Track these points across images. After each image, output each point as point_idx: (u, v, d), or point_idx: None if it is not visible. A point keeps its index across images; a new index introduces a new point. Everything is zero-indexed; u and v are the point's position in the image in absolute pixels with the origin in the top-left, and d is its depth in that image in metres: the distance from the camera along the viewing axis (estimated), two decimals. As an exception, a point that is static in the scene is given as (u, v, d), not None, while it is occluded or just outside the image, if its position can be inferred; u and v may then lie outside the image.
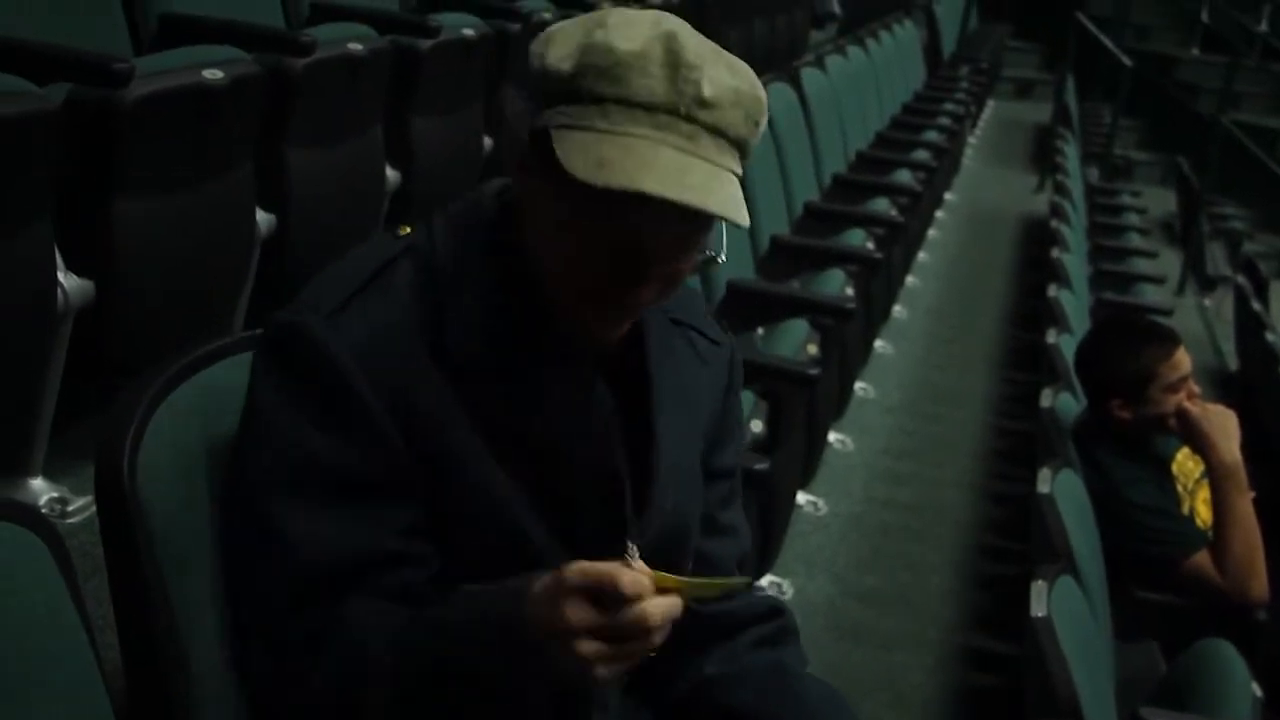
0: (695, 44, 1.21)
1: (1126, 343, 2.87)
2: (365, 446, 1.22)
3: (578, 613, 1.08)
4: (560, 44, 1.21)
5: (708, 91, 1.18)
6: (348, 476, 1.22)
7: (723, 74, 1.20)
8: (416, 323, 1.25)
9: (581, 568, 1.10)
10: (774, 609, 1.51)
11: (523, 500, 1.26)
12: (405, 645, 1.18)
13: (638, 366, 1.35)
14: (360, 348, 1.22)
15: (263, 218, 2.86)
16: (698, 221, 1.21)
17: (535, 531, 1.27)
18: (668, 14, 1.24)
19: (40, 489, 2.35)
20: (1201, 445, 2.77)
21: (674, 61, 1.18)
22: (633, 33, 1.19)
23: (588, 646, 1.08)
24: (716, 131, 1.19)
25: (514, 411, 1.27)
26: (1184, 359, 2.83)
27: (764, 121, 1.24)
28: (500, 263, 1.28)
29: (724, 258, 1.29)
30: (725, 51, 1.24)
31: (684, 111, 1.18)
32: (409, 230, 1.33)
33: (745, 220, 1.19)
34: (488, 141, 3.89)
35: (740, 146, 1.22)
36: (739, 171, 1.22)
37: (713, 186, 1.18)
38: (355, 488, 1.22)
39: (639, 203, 1.15)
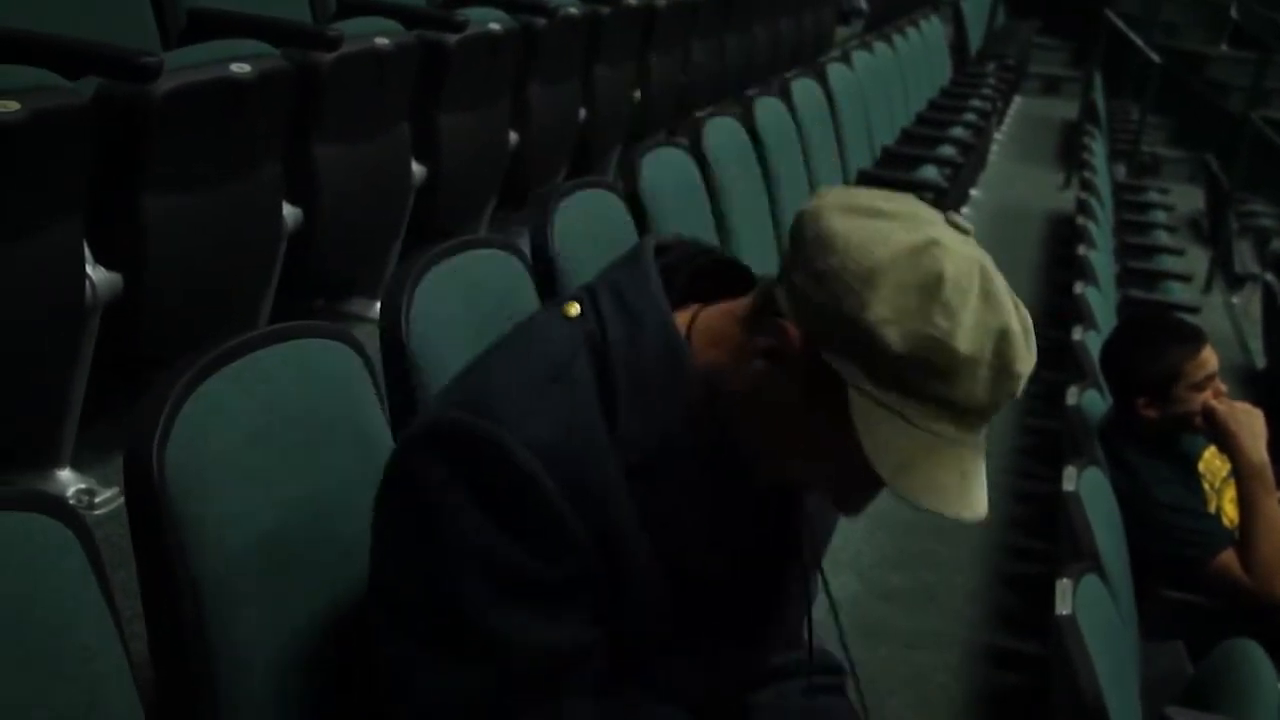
0: (1022, 337, 1.14)
1: (1152, 341, 2.85)
2: (565, 557, 1.17)
3: None
4: (890, 305, 1.10)
5: (1018, 390, 1.15)
6: (547, 579, 1.17)
7: (1026, 368, 1.15)
8: (601, 424, 1.18)
9: None
10: (834, 668, 1.51)
11: (666, 604, 1.24)
12: None
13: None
14: (548, 452, 1.14)
15: (289, 212, 2.87)
16: None
17: (674, 642, 1.26)
18: (986, 263, 1.15)
19: (68, 480, 2.37)
20: (1228, 444, 2.76)
21: (1003, 366, 1.12)
22: (970, 322, 1.10)
23: None
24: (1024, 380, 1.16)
25: (685, 532, 1.22)
26: (1210, 357, 2.82)
27: None
28: (681, 375, 1.20)
29: None
30: (1022, 309, 1.16)
31: (1016, 370, 1.14)
32: (577, 310, 1.23)
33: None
34: (514, 137, 3.90)
35: None
36: None
37: (980, 494, 1.17)
38: (555, 589, 1.17)
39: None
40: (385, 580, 1.23)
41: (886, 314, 1.09)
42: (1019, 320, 1.14)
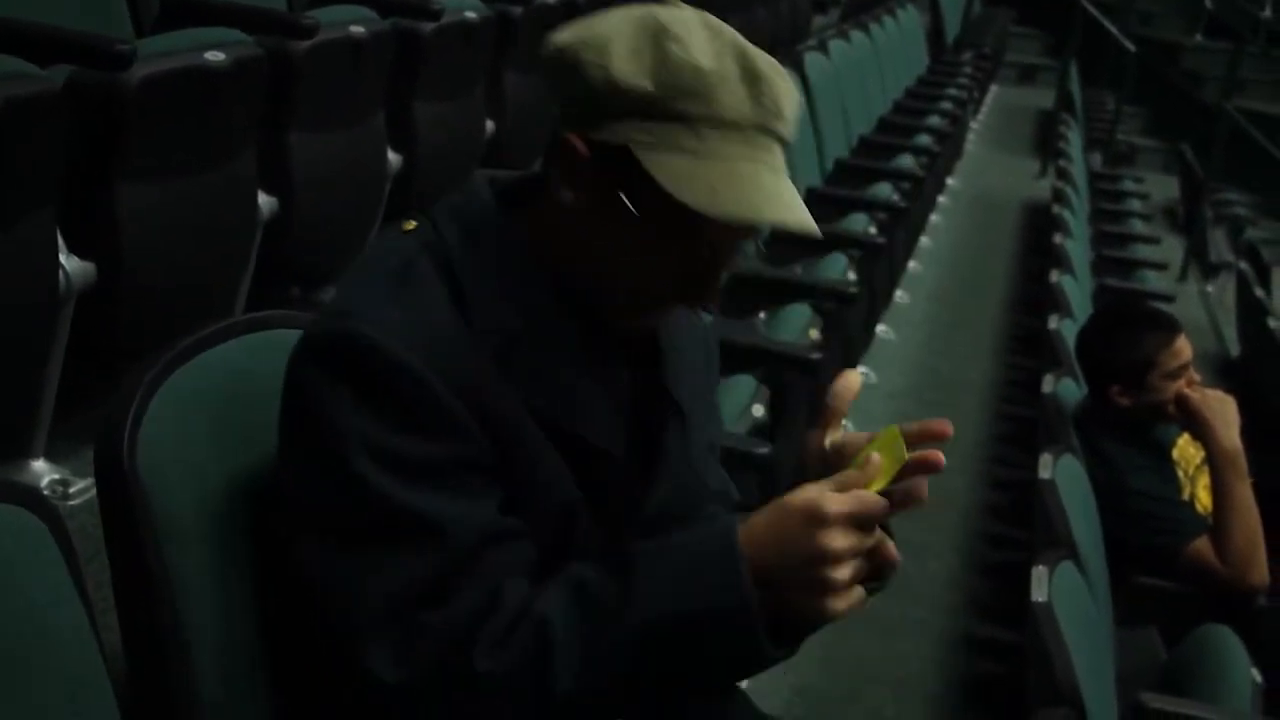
0: (754, 51, 1.21)
1: (1127, 330, 2.87)
2: (456, 438, 1.19)
3: (842, 539, 1.13)
4: (627, 57, 1.19)
5: (784, 106, 1.21)
6: (450, 465, 1.19)
7: (782, 82, 1.22)
8: (452, 317, 1.23)
9: (846, 496, 1.14)
10: (722, 495, 1.53)
11: (568, 478, 1.27)
12: (596, 618, 1.16)
13: (651, 342, 1.36)
14: (415, 344, 1.19)
15: (265, 201, 2.85)
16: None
17: (579, 507, 1.28)
18: (705, 12, 1.23)
19: (42, 471, 2.36)
20: (1201, 431, 2.77)
21: (751, 76, 1.19)
22: (703, 45, 1.19)
23: (846, 571, 1.14)
24: (785, 143, 1.23)
25: (548, 396, 1.26)
26: (1184, 346, 2.83)
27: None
28: (514, 253, 1.27)
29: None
30: (759, 49, 1.23)
31: (769, 128, 1.20)
32: (414, 225, 1.30)
33: (816, 231, 1.22)
34: (490, 125, 3.89)
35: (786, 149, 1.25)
36: None
37: (798, 203, 1.21)
38: (462, 473, 1.20)
39: (736, 228, 1.20)
40: (294, 498, 1.24)
41: (627, 66, 1.18)
42: (750, 45, 1.22)
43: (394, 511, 1.17)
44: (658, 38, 1.19)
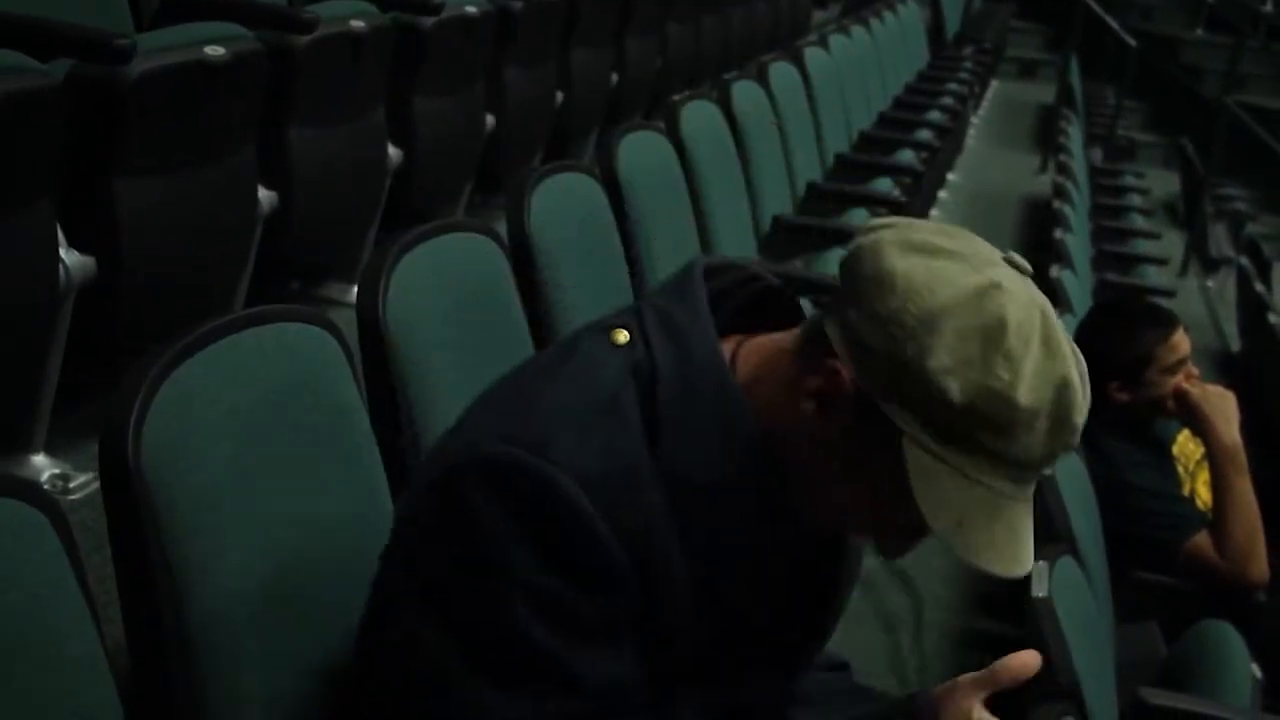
0: (1080, 387, 1.12)
1: (1124, 325, 2.86)
2: (609, 588, 1.15)
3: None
4: (949, 357, 1.07)
5: (1073, 442, 1.13)
6: (601, 621, 1.16)
7: (1085, 413, 1.14)
8: (646, 468, 1.16)
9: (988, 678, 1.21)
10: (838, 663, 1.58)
11: (701, 636, 1.23)
12: None
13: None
14: (601, 493, 1.13)
15: (265, 196, 2.85)
16: None
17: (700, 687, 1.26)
18: (1047, 308, 1.14)
19: (42, 465, 2.36)
20: (1200, 427, 2.77)
21: (1062, 419, 1.10)
22: (1032, 374, 1.08)
23: None
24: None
25: (727, 565, 1.21)
26: (1182, 341, 2.83)
27: None
28: (728, 414, 1.18)
29: None
30: (1078, 355, 1.15)
31: (1046, 467, 1.13)
32: (625, 338, 1.21)
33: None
34: (490, 120, 3.89)
35: None
36: None
37: (1030, 550, 1.15)
38: (604, 625, 1.17)
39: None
40: (428, 588, 1.20)
41: (947, 363, 1.07)
42: (1077, 368, 1.13)
43: (535, 656, 1.15)
44: (991, 351, 1.07)
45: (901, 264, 1.10)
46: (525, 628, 1.14)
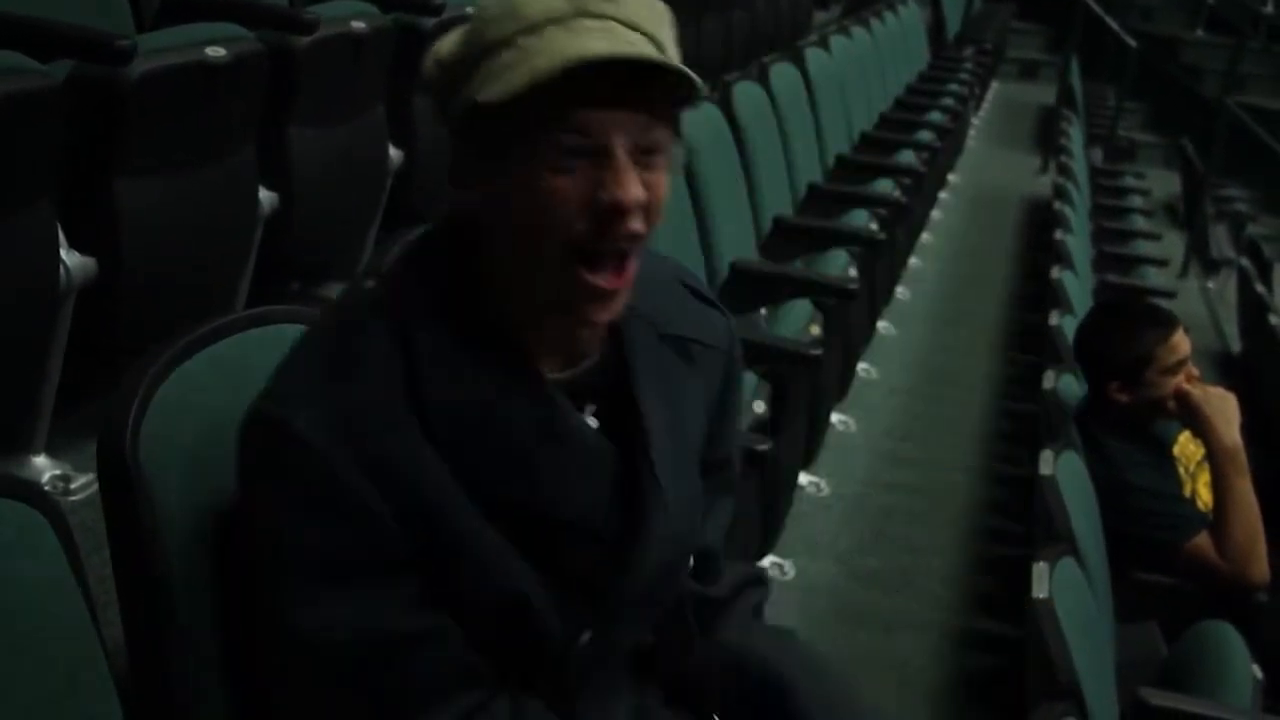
0: None
1: (1124, 326, 2.86)
2: (360, 531, 1.17)
3: None
4: (448, 39, 1.23)
5: None
6: (348, 562, 1.18)
7: None
8: (396, 393, 1.19)
9: None
10: (756, 578, 1.53)
11: (516, 560, 1.23)
12: None
13: (627, 398, 1.30)
14: (340, 431, 1.16)
15: (265, 196, 2.85)
16: (641, 99, 1.18)
17: (535, 592, 1.24)
18: None
19: (43, 466, 2.36)
20: (1201, 428, 2.77)
21: None
22: None
23: None
24: (631, 26, 1.18)
25: (500, 468, 1.22)
26: (1182, 342, 2.83)
27: (670, 29, 1.23)
28: (465, 304, 1.23)
29: (689, 143, 1.29)
30: None
31: (593, 10, 1.17)
32: (371, 283, 1.27)
33: (692, 75, 1.17)
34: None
35: (657, 45, 1.20)
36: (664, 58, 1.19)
37: (642, 49, 1.17)
38: (357, 572, 1.18)
39: (579, 92, 1.14)
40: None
41: (449, 40, 1.23)
42: None
43: (295, 622, 1.18)
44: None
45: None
46: (287, 588, 1.18)
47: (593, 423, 1.29)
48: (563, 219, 1.17)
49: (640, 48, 1.17)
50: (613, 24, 1.17)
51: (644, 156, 1.19)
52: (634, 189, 1.17)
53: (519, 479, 1.22)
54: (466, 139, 1.21)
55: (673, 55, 1.21)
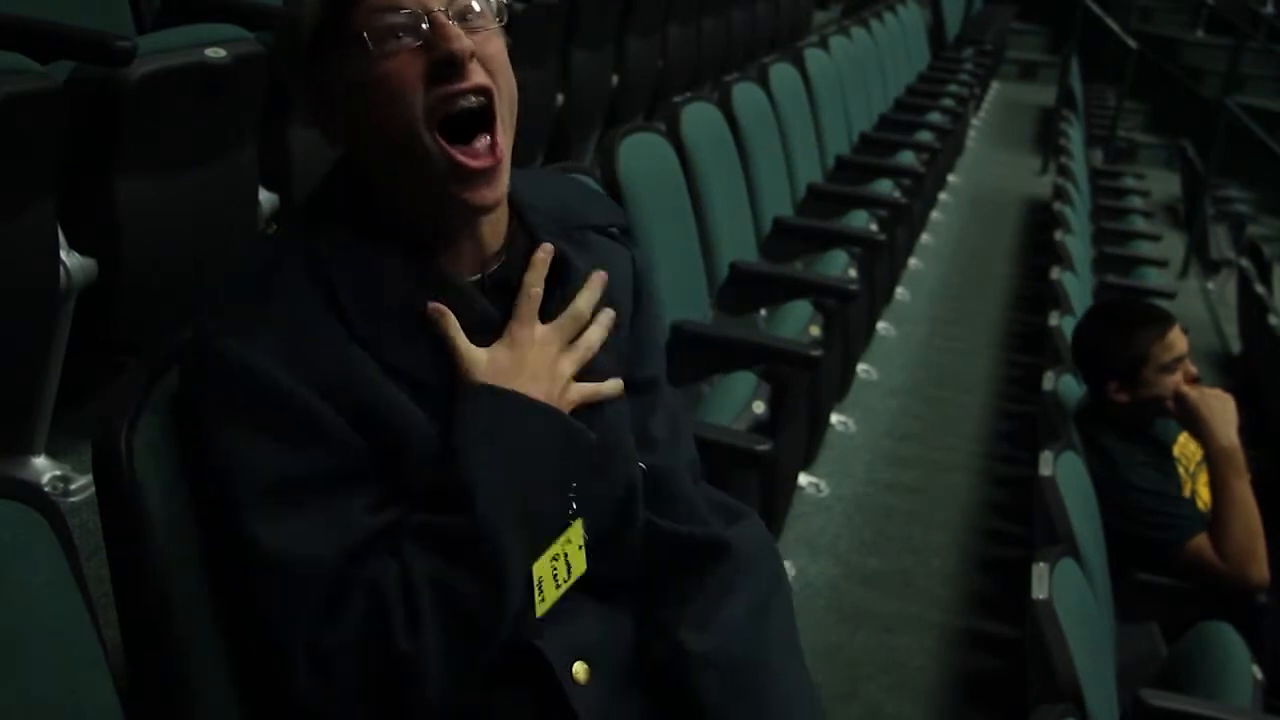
0: None
1: (1119, 325, 2.87)
2: (322, 446, 1.22)
3: (553, 345, 1.31)
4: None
5: None
6: (313, 476, 1.21)
7: None
8: (319, 308, 1.25)
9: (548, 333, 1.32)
10: (717, 545, 1.46)
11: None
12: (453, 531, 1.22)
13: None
14: (278, 350, 1.21)
15: (266, 197, 2.85)
16: None
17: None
18: None
19: (43, 467, 2.36)
20: (1199, 429, 2.77)
21: None
22: None
23: (568, 367, 1.31)
24: None
25: (424, 363, 1.28)
26: (1178, 339, 2.83)
27: None
28: (367, 224, 1.29)
29: None
30: None
31: None
32: (275, 228, 1.35)
33: None
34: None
35: None
36: None
37: None
38: (323, 484, 1.22)
39: None
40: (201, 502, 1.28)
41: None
42: None
43: (255, 546, 1.19)
44: None
45: None
46: (240, 507, 1.20)
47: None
48: (409, 96, 1.24)
49: None
50: None
51: (463, 21, 1.26)
52: (461, 39, 1.24)
53: (439, 368, 1.28)
54: (310, 87, 1.30)
55: None
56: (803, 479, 3.43)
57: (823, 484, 3.53)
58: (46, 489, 2.26)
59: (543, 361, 1.31)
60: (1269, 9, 10.40)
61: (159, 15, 2.94)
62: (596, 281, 1.38)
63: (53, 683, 1.12)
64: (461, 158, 1.26)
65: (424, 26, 1.24)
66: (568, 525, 1.32)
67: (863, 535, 3.34)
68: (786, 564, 3.04)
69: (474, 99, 1.26)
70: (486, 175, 1.28)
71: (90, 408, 2.47)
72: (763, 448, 2.28)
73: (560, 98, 4.41)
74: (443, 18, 1.24)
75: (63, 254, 2.29)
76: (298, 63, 1.31)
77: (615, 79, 4.93)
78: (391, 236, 1.29)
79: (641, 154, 2.73)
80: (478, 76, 1.26)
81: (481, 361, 1.29)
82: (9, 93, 2.00)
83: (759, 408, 2.65)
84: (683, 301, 2.82)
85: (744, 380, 2.69)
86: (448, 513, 1.22)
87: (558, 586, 1.31)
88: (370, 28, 1.24)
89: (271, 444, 1.20)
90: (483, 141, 1.28)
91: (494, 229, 1.35)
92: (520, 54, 4.22)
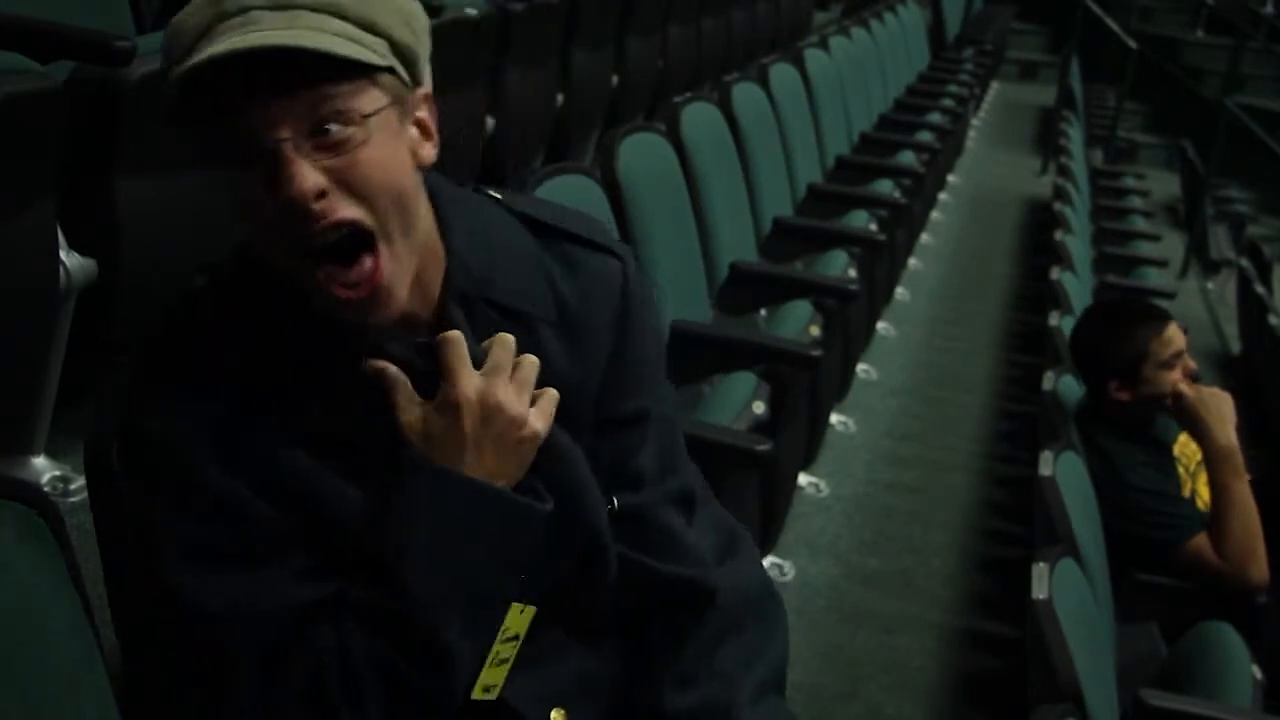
0: None
1: (1117, 323, 2.87)
2: (240, 521, 1.18)
3: (503, 390, 1.19)
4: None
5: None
6: (234, 549, 1.18)
7: None
8: (242, 377, 1.19)
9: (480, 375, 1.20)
10: (702, 591, 1.38)
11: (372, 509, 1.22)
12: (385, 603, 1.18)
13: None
14: (198, 427, 1.17)
15: (265, 197, 2.85)
16: (291, 81, 1.10)
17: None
18: None
19: (42, 468, 2.36)
20: (1197, 429, 2.78)
21: None
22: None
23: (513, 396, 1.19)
24: (280, 8, 1.11)
25: (353, 427, 1.21)
26: (1176, 335, 2.83)
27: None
28: (290, 291, 1.19)
29: (408, 77, 1.21)
30: None
31: (230, 8, 1.10)
32: (203, 281, 1.27)
33: (328, 46, 1.09)
34: (490, 122, 3.89)
35: (326, 9, 1.12)
36: (359, 39, 1.13)
37: (269, 32, 1.09)
38: (246, 557, 1.18)
39: (218, 99, 1.10)
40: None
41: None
42: None
43: (187, 605, 1.17)
44: None
45: None
46: (169, 580, 1.18)
47: None
48: (266, 229, 1.14)
49: (268, 30, 1.09)
50: (253, 12, 1.10)
51: (322, 137, 1.12)
52: (301, 181, 1.10)
53: (371, 433, 1.20)
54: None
55: (363, 12, 1.14)
56: (803, 479, 3.43)
57: (823, 484, 3.53)
58: (46, 489, 2.26)
59: (488, 420, 1.19)
60: (1269, 9, 10.40)
61: (159, 15, 2.94)
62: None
63: (50, 684, 1.12)
64: (337, 290, 1.15)
65: (269, 159, 1.11)
66: (517, 600, 1.25)
67: (863, 535, 3.34)
68: (787, 564, 3.07)
69: (333, 236, 1.13)
70: (369, 301, 1.16)
71: (91, 408, 2.47)
72: (763, 448, 2.28)
73: (560, 98, 4.41)
74: (287, 150, 1.10)
75: (63, 254, 2.29)
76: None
77: (615, 79, 4.93)
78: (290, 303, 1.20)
79: (641, 154, 2.73)
80: (338, 211, 1.12)
81: (418, 429, 1.19)
82: (9, 93, 2.00)
83: (759, 408, 2.65)
84: (682, 301, 2.82)
85: (744, 380, 2.69)
86: (382, 591, 1.18)
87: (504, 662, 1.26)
88: (227, 148, 1.12)
89: (192, 521, 1.17)
90: (364, 265, 1.15)
91: (418, 297, 1.23)
92: (520, 55, 4.23)
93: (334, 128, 1.11)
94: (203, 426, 1.17)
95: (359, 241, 1.14)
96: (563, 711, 1.30)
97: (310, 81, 1.10)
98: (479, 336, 1.24)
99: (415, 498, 1.18)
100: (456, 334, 1.20)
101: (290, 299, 1.19)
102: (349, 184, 1.13)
